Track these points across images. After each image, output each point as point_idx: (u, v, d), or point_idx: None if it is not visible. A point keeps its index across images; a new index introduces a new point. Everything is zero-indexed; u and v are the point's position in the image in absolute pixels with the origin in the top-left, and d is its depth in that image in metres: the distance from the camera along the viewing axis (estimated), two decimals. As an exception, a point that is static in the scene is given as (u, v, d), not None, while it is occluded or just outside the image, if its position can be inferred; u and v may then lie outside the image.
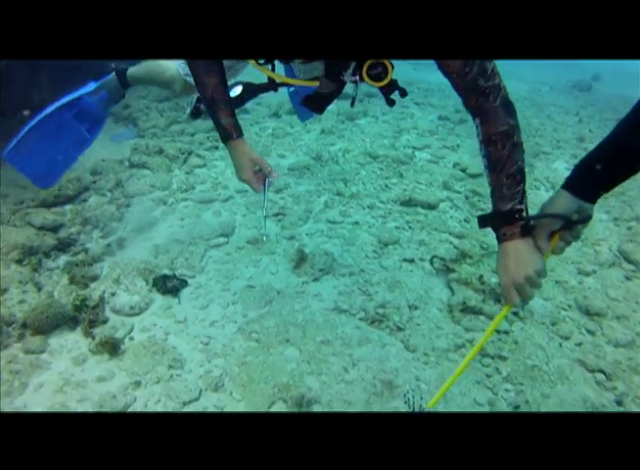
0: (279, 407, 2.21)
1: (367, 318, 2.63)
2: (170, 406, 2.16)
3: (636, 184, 4.31)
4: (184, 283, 2.81)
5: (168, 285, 2.75)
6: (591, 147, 1.54)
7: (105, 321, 2.53)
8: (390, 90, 1.92)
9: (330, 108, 4.84)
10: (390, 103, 1.99)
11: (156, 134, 4.27)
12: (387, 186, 3.79)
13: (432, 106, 5.63)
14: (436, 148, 4.58)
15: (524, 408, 2.35)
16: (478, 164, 4.21)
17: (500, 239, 1.58)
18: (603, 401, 2.46)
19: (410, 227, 3.37)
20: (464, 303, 2.70)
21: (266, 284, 2.81)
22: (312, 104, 2.10)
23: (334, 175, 3.88)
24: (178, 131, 4.34)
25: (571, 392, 2.48)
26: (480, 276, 2.82)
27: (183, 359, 2.38)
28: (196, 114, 2.60)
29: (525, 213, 1.55)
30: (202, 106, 2.51)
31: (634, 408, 2.44)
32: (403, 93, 1.95)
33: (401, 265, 3.02)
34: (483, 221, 1.64)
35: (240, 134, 2.06)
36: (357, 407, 2.22)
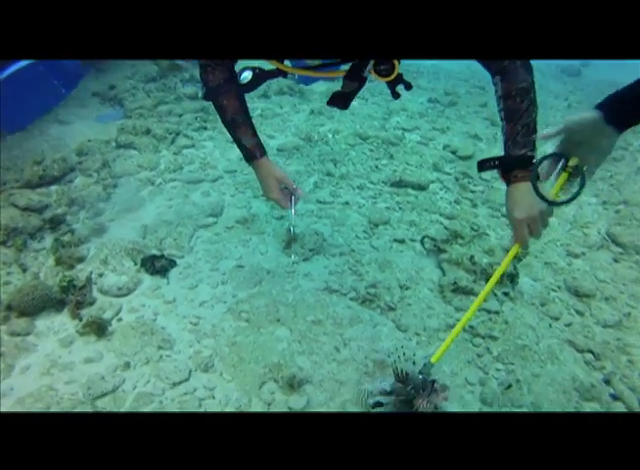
0: (270, 387, 2.18)
1: (358, 298, 2.60)
2: (160, 387, 2.12)
3: (624, 169, 4.34)
4: (173, 263, 2.76)
5: (157, 265, 2.70)
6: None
7: (92, 302, 2.48)
8: (396, 84, 1.92)
9: (319, 89, 4.78)
10: (396, 96, 1.98)
11: (143, 115, 4.17)
12: (377, 167, 3.74)
13: (421, 88, 5.56)
14: (426, 130, 4.52)
15: (515, 388, 2.34)
16: (467, 146, 4.18)
17: (511, 181, 1.67)
18: (592, 381, 2.46)
19: (400, 208, 3.33)
20: (455, 283, 2.68)
21: (256, 264, 2.77)
22: (337, 102, 2.05)
23: (323, 156, 3.82)
24: (166, 112, 4.25)
25: (561, 371, 2.47)
26: (472, 257, 2.79)
27: (172, 340, 2.35)
28: None
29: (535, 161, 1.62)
30: None
31: (622, 387, 2.44)
32: (408, 86, 1.93)
33: (392, 246, 2.99)
34: (489, 165, 1.73)
35: (263, 153, 2.09)
36: (349, 387, 2.20)
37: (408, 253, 2.95)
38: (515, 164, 1.66)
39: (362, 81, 1.92)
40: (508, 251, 1.75)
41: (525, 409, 2.30)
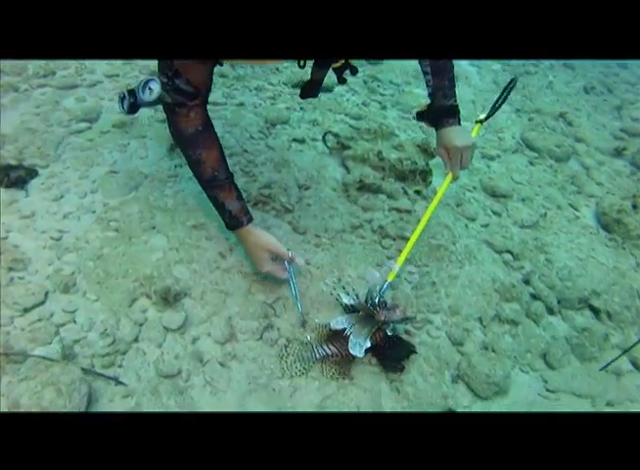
0: (141, 304, 1.72)
1: (250, 200, 2.10)
2: (7, 316, 1.61)
3: (536, 82, 4.14)
4: (33, 173, 2.17)
5: (12, 176, 2.11)
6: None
7: None
8: (344, 70, 1.88)
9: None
10: (342, 81, 1.93)
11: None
12: (277, 69, 3.19)
13: None
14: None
15: (429, 290, 1.97)
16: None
17: (444, 125, 1.79)
18: (512, 281, 2.14)
19: (302, 108, 2.83)
20: (361, 180, 2.25)
21: (133, 169, 2.22)
22: (309, 93, 2.02)
23: (218, 58, 3.25)
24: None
25: (480, 272, 2.14)
26: (379, 152, 2.35)
27: (27, 259, 1.81)
28: (134, 109, 2.13)
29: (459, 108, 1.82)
30: (140, 97, 2.09)
31: (541, 286, 2.15)
32: (354, 71, 1.89)
33: (290, 145, 2.50)
34: (423, 115, 1.87)
35: (250, 218, 1.69)
36: (236, 298, 1.75)
37: (309, 152, 2.48)
38: (445, 113, 1.78)
39: (329, 67, 1.87)
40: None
41: (442, 315, 1.95)
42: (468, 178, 2.65)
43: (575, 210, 2.77)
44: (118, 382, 1.54)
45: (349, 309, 1.75)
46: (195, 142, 1.58)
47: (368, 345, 1.62)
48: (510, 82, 1.84)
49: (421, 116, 1.89)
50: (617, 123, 3.75)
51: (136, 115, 2.22)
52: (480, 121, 1.93)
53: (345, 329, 1.66)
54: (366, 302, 1.74)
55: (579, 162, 3.19)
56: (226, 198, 1.64)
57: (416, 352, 1.73)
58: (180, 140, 1.61)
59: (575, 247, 2.47)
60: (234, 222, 1.66)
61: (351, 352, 1.61)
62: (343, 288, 1.79)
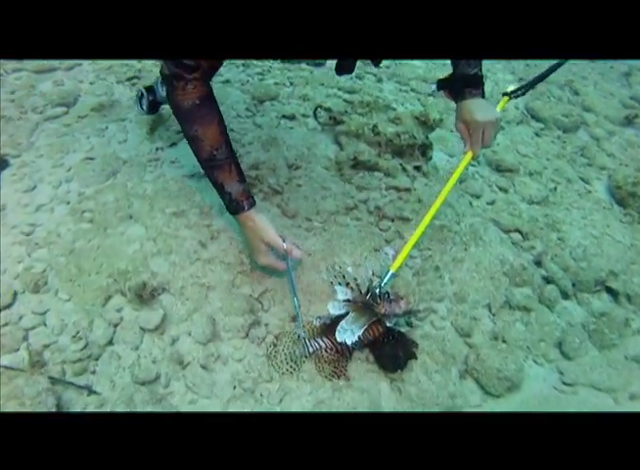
0: (116, 303, 1.55)
1: (235, 182, 1.91)
2: (-29, 322, 1.44)
3: None
4: (4, 164, 2.00)
5: (-20, 168, 1.94)
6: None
7: None
8: None
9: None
10: (376, 63, 1.74)
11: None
12: (266, 44, 2.98)
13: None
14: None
15: (432, 276, 1.77)
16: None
17: (465, 97, 1.62)
18: (522, 263, 1.94)
19: (292, 83, 2.60)
20: (355, 158, 2.04)
21: (110, 154, 2.02)
22: (345, 68, 1.71)
23: (203, 35, 3.02)
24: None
25: (487, 253, 1.93)
26: (374, 126, 2.13)
27: (-4, 258, 1.63)
28: (154, 108, 2.06)
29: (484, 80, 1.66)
30: (160, 93, 1.97)
31: (554, 267, 1.95)
32: None
33: (279, 122, 2.28)
34: (444, 85, 1.71)
35: (251, 203, 1.50)
36: (220, 292, 1.57)
37: (299, 129, 2.25)
38: (469, 83, 1.63)
39: None
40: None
41: (447, 303, 1.76)
42: (471, 152, 2.45)
43: (587, 183, 2.55)
44: (91, 391, 1.37)
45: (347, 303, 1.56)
46: (191, 117, 1.41)
47: (360, 332, 1.45)
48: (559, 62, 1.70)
49: (441, 85, 1.74)
50: (626, 91, 3.50)
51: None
52: (508, 95, 1.78)
53: (341, 319, 1.48)
54: (367, 292, 1.55)
55: (588, 132, 2.95)
56: (225, 179, 1.46)
57: (416, 358, 1.54)
58: (178, 115, 1.45)
59: (589, 223, 2.26)
60: (234, 206, 1.48)
61: (338, 337, 1.43)
62: (344, 277, 1.59)
